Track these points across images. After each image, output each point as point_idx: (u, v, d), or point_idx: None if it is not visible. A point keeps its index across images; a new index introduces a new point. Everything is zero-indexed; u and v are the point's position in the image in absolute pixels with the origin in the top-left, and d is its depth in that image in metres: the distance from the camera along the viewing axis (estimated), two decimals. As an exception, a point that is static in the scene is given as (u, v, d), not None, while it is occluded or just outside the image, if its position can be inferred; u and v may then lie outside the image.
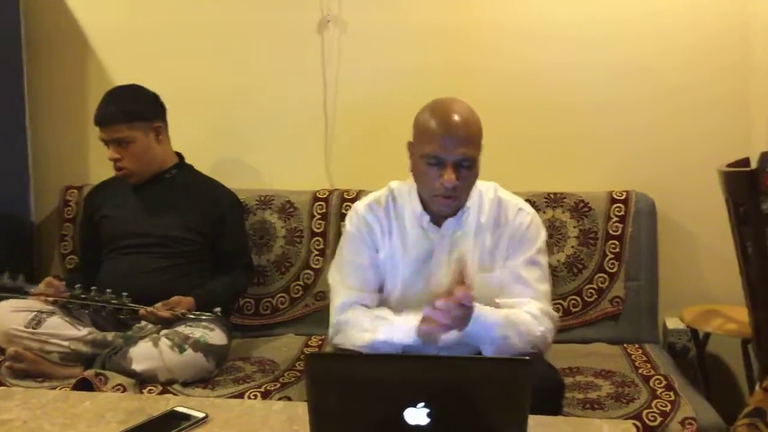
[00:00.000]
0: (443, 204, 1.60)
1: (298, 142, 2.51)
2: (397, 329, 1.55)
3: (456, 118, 1.55)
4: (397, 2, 2.43)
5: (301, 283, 2.34)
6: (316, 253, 2.35)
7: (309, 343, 2.21)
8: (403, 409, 1.00)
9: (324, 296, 2.22)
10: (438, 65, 2.39)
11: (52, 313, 1.95)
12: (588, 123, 2.38)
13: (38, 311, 1.94)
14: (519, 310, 1.56)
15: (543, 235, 1.68)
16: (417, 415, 1.00)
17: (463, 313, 1.44)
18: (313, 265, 2.34)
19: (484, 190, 1.68)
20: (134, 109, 2.08)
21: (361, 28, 2.42)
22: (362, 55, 2.44)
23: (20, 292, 1.98)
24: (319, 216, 2.36)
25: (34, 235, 2.52)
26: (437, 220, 1.65)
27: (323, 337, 2.15)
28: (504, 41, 2.38)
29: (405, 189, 1.69)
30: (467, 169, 1.56)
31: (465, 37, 2.39)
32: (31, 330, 1.91)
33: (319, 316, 2.21)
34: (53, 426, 1.31)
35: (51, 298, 1.96)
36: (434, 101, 1.62)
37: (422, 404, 1.00)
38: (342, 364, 1.13)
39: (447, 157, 1.53)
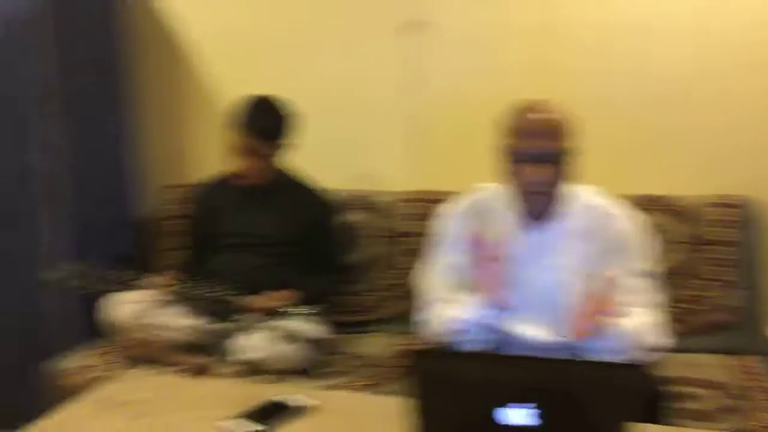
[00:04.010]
0: (532, 200, 1.59)
1: (384, 143, 2.54)
2: (465, 304, 1.56)
3: (547, 117, 1.55)
4: (486, 2, 2.41)
5: (393, 282, 2.38)
6: (407, 253, 2.38)
7: (400, 341, 2.24)
8: (509, 409, 1.01)
9: (412, 296, 2.25)
10: (525, 65, 2.36)
11: (166, 304, 2.08)
12: (688, 122, 2.28)
13: (154, 302, 2.07)
14: (627, 320, 1.53)
15: (650, 241, 1.63)
16: (523, 415, 1.01)
17: (598, 324, 1.43)
18: (402, 265, 2.37)
19: (583, 195, 1.65)
20: (282, 127, 2.17)
21: (446, 28, 2.41)
22: (447, 56, 2.44)
23: (133, 285, 2.11)
24: (406, 217, 2.39)
25: (141, 232, 2.65)
26: (530, 223, 1.64)
27: (414, 336, 2.18)
28: (594, 39, 2.31)
29: (494, 191, 1.68)
30: (552, 164, 1.54)
31: (552, 35, 2.34)
32: (147, 320, 2.04)
33: (411, 315, 2.24)
34: (171, 408, 1.41)
35: (164, 290, 2.08)
36: (523, 103, 1.61)
37: (528, 404, 1.01)
38: (449, 362, 1.15)
39: (538, 153, 1.53)
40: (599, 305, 1.43)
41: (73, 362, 2.02)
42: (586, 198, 1.64)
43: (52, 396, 1.96)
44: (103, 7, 2.48)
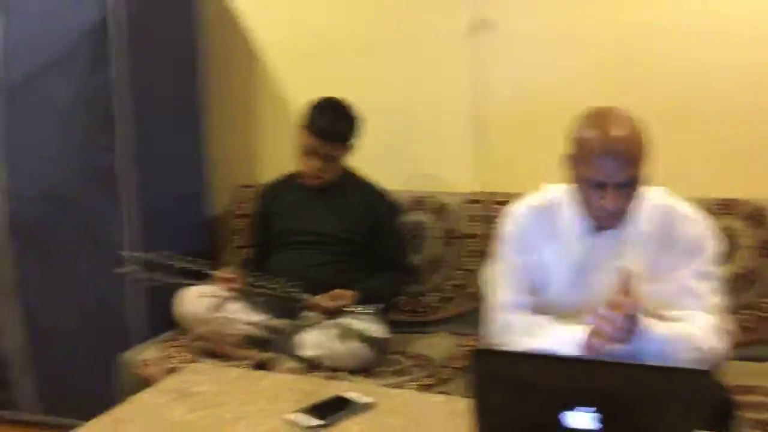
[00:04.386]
0: (604, 221, 1.56)
1: (450, 144, 2.54)
2: (561, 339, 1.51)
3: (618, 138, 1.46)
4: (553, 3, 2.39)
5: (455, 283, 2.39)
6: (470, 254, 2.38)
7: (463, 342, 2.25)
8: (569, 412, 1.01)
9: (478, 297, 2.25)
10: (593, 66, 2.33)
11: (232, 300, 2.15)
12: (762, 125, 2.20)
13: (221, 297, 2.14)
14: (689, 324, 1.49)
15: (716, 244, 1.59)
16: (583, 419, 1.01)
17: (629, 326, 1.40)
18: (467, 266, 2.38)
19: (651, 196, 1.60)
20: (352, 131, 2.22)
21: (514, 30, 2.40)
22: (514, 57, 2.42)
23: (204, 280, 2.19)
24: (472, 218, 2.40)
25: (212, 230, 2.74)
26: (598, 226, 1.60)
27: (476, 337, 2.17)
28: (667, 42, 2.26)
29: (563, 193, 1.65)
30: (630, 188, 1.49)
31: (625, 39, 2.30)
32: (214, 314, 2.11)
33: (472, 316, 2.24)
34: (237, 400, 1.46)
35: (231, 286, 2.16)
36: (592, 115, 1.54)
37: (590, 408, 1.00)
38: (510, 362, 1.15)
39: (609, 180, 1.47)
40: (625, 306, 1.39)
41: (149, 353, 2.11)
42: (656, 200, 1.60)
43: (128, 385, 2.05)
44: (180, 10, 2.57)
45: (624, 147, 1.46)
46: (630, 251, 1.57)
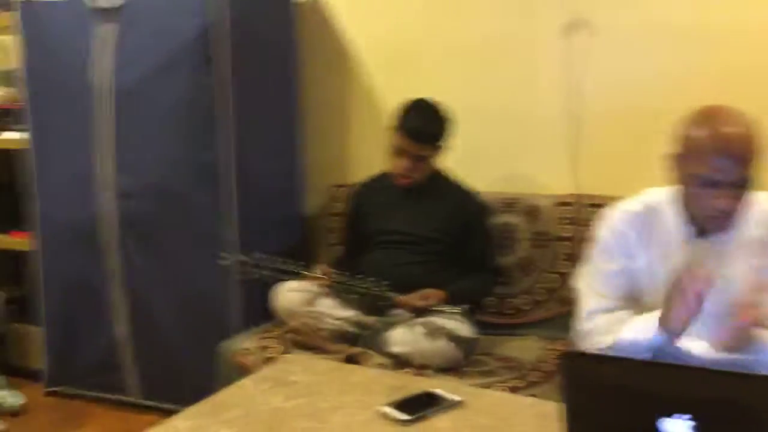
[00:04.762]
0: (715, 224, 1.50)
1: (543, 146, 2.52)
2: (637, 325, 1.49)
3: (732, 135, 1.41)
4: (653, 0, 2.32)
5: (546, 286, 2.36)
6: (563, 257, 2.35)
7: (552, 346, 2.22)
8: (662, 419, 0.99)
9: (569, 301, 2.21)
10: (697, 68, 2.24)
11: (324, 295, 2.22)
12: None
13: (314, 292, 2.22)
14: None
15: None
16: (678, 426, 0.99)
17: (748, 335, 1.35)
18: (559, 270, 2.35)
19: (760, 200, 1.53)
20: (442, 132, 2.25)
21: (610, 27, 2.35)
22: (612, 58, 2.37)
23: (297, 276, 2.27)
24: (565, 220, 2.36)
25: (306, 227, 2.83)
26: (701, 231, 1.55)
27: (566, 341, 2.14)
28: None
29: (664, 197, 1.60)
30: (743, 189, 1.43)
31: (729, 37, 2.21)
32: (307, 308, 2.19)
33: (564, 320, 2.20)
34: (332, 391, 1.51)
35: (323, 283, 2.23)
36: (703, 113, 1.49)
37: (685, 416, 0.98)
38: (602, 366, 1.13)
39: (722, 179, 1.41)
40: (749, 314, 1.33)
41: (246, 343, 2.21)
42: (765, 204, 1.53)
43: (226, 373, 2.16)
44: (278, 16, 2.66)
45: (739, 145, 1.41)
46: (736, 257, 1.51)
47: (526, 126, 2.54)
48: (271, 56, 2.62)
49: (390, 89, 2.70)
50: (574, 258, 2.27)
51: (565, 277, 2.30)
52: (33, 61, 2.60)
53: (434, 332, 2.02)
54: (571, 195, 2.40)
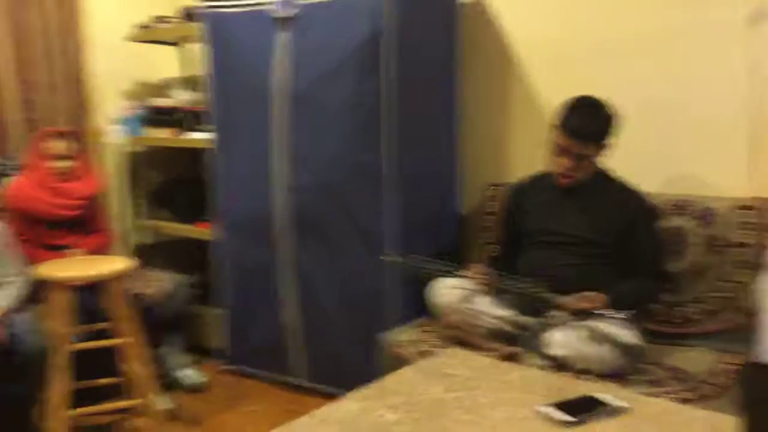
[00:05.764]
0: None
1: (720, 145, 2.35)
2: None
3: None
4: None
5: (720, 295, 2.21)
6: (739, 264, 2.18)
7: (727, 359, 2.07)
8: None
9: (748, 313, 2.06)
10: None
11: (481, 293, 2.24)
12: None
13: (470, 290, 2.24)
14: None
15: None
16: None
17: None
18: (736, 278, 2.18)
19: None
20: (606, 130, 2.18)
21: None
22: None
23: (454, 273, 2.30)
24: (744, 225, 2.19)
25: (462, 226, 2.85)
26: None
27: (744, 355, 1.99)
28: None
29: None
30: None
31: None
32: (464, 305, 2.22)
33: (740, 333, 2.06)
34: (490, 387, 1.53)
35: (481, 280, 2.24)
36: None
37: None
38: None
39: None
40: None
41: (404, 336, 2.29)
42: None
43: (385, 363, 2.25)
44: (443, 17, 2.71)
45: None
46: None
47: (699, 124, 2.39)
48: (434, 57, 2.68)
49: (552, 87, 2.66)
50: (754, 266, 2.11)
51: (743, 286, 2.14)
52: (217, 68, 2.85)
53: (598, 337, 1.96)
54: (753, 198, 2.22)
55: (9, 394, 2.21)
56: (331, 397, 2.61)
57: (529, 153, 2.69)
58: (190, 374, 2.86)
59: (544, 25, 2.67)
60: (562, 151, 2.20)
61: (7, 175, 2.80)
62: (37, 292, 2.41)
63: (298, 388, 2.84)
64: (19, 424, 2.29)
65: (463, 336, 2.19)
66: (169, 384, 2.75)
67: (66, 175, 2.70)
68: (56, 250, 2.62)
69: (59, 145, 2.70)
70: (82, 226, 2.74)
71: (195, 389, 2.84)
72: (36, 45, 3.03)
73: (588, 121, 2.17)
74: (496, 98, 2.82)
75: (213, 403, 2.78)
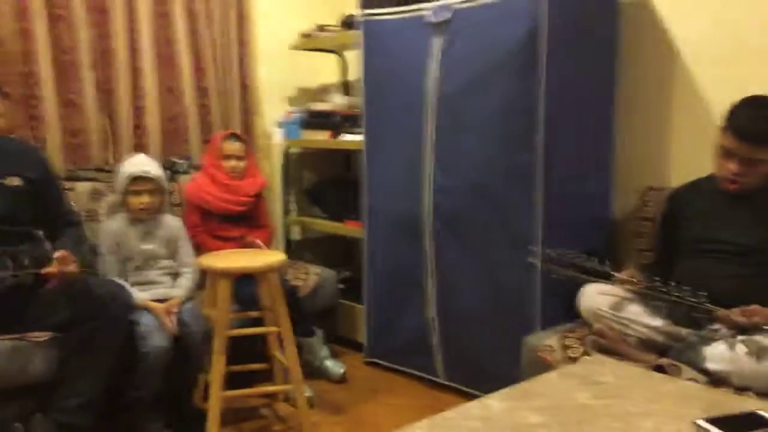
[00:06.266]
0: None
1: None
2: None
3: None
4: None
5: None
6: None
7: None
8: None
9: None
10: None
11: (632, 301, 2.16)
12: None
13: (621, 297, 2.17)
14: None
15: None
16: None
17: None
18: None
19: None
20: None
21: None
22: None
23: (603, 278, 2.24)
24: None
25: (614, 230, 2.76)
26: None
27: None
28: None
29: None
30: None
31: None
32: (613, 312, 2.15)
33: None
34: (642, 397, 1.48)
35: (633, 288, 2.16)
36: None
37: None
38: None
39: None
40: None
41: (549, 340, 2.25)
42: None
43: (528, 366, 2.24)
44: (602, 16, 2.63)
45: None
46: None
47: None
48: (592, 56, 2.60)
49: (719, 87, 2.51)
50: None
51: None
52: (372, 73, 2.96)
53: (762, 353, 1.83)
54: None
55: (175, 376, 2.43)
56: (468, 396, 2.65)
57: (691, 156, 2.56)
58: (331, 365, 3.00)
59: (712, 22, 2.53)
60: (729, 154, 2.07)
61: (186, 173, 3.11)
62: (201, 280, 2.65)
63: (435, 385, 2.88)
64: (183, 403, 2.52)
65: (611, 344, 2.12)
66: (311, 373, 2.90)
67: (236, 174, 2.94)
68: (225, 241, 2.87)
69: (231, 146, 2.95)
70: (247, 220, 2.98)
71: (336, 380, 2.97)
72: (210, 54, 3.32)
73: (759, 123, 2.02)
74: (656, 98, 2.70)
75: (353, 393, 2.88)
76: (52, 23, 2.88)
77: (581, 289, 2.26)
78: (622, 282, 2.19)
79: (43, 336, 2.25)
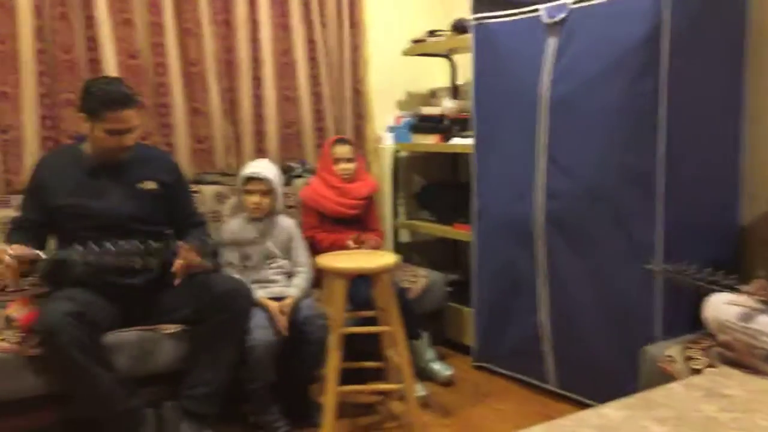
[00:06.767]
0: None
1: None
2: None
3: None
4: None
5: None
6: None
7: None
8: None
9: None
10: None
11: (763, 312, 2.03)
12: None
13: (751, 308, 2.04)
14: None
15: None
16: None
17: None
18: None
19: None
20: None
21: None
22: None
23: (728, 288, 2.11)
24: None
25: (741, 237, 2.59)
26: None
27: None
28: None
29: None
30: None
31: None
32: (742, 324, 2.03)
33: None
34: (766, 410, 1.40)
35: (764, 298, 2.03)
36: None
37: None
38: None
39: None
40: None
41: (671, 350, 2.16)
42: None
43: (647, 377, 2.14)
44: (728, 11, 2.49)
45: None
46: None
47: None
48: (718, 53, 2.47)
49: None
50: None
51: None
52: (483, 76, 2.95)
53: None
54: None
55: (293, 369, 2.53)
56: (578, 404, 2.57)
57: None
58: (438, 367, 3.00)
59: None
60: None
61: (301, 177, 3.23)
62: (318, 279, 2.73)
63: (545, 392, 2.83)
64: (301, 395, 2.62)
65: (739, 357, 2.00)
66: (417, 374, 2.92)
67: (348, 176, 3.02)
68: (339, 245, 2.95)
69: (341, 150, 3.03)
70: (359, 223, 3.05)
71: (443, 382, 2.97)
72: (324, 62, 3.44)
73: None
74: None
75: (461, 396, 2.88)
76: (182, 37, 3.09)
77: (706, 298, 2.15)
78: (752, 292, 2.06)
79: (172, 328, 2.42)
